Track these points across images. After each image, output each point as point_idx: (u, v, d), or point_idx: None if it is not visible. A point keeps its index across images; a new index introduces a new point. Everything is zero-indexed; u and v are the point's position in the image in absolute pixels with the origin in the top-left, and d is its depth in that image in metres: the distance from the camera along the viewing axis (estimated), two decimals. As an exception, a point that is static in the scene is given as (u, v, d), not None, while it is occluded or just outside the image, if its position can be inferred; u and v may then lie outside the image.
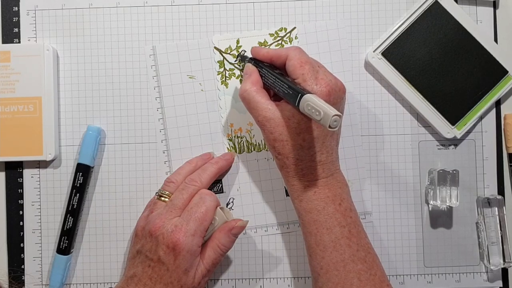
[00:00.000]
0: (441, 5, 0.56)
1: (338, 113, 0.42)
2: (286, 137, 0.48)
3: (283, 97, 0.49)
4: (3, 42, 0.58)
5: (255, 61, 0.53)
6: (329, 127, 0.42)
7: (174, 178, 0.54)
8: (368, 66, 0.58)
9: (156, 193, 0.54)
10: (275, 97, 0.52)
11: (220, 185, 0.58)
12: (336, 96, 0.48)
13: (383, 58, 0.57)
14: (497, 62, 0.57)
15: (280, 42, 0.58)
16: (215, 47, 0.58)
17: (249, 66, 0.53)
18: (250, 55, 0.55)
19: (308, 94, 0.44)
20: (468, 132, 0.58)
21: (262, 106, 0.49)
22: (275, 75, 0.49)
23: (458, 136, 0.57)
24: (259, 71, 0.52)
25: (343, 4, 0.58)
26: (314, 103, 0.43)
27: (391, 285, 0.49)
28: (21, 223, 0.57)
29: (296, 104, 0.45)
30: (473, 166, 0.58)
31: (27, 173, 0.58)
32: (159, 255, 0.48)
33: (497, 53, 0.56)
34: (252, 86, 0.50)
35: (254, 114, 0.50)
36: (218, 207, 0.52)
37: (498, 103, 0.58)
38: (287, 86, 0.47)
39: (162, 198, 0.53)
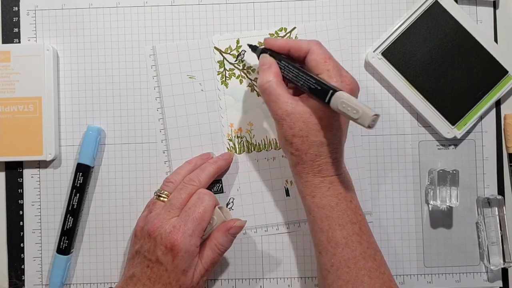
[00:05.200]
0: (441, 5, 0.56)
1: (377, 113, 0.42)
2: (306, 133, 0.47)
3: (307, 92, 0.47)
4: (3, 42, 0.58)
5: (271, 52, 0.51)
6: (368, 126, 0.42)
7: (173, 178, 0.54)
8: (368, 66, 0.58)
9: (155, 193, 0.54)
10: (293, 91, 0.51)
11: (220, 185, 0.58)
12: (355, 95, 0.48)
13: (383, 58, 0.57)
14: (497, 62, 0.57)
15: (280, 42, 0.58)
16: (215, 47, 0.58)
17: (267, 57, 0.51)
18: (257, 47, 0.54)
19: (341, 92, 0.44)
20: (468, 132, 0.58)
21: (283, 99, 0.47)
22: (299, 69, 0.48)
23: (458, 136, 0.57)
24: (278, 63, 0.50)
25: (343, 4, 0.58)
26: (350, 101, 0.43)
27: (397, 285, 0.49)
28: (21, 223, 0.57)
29: (326, 101, 0.45)
30: (473, 166, 0.58)
31: (27, 173, 0.58)
32: (158, 256, 0.48)
33: (497, 53, 0.56)
34: (274, 77, 0.48)
35: (274, 107, 0.48)
36: (216, 207, 0.52)
37: (498, 103, 0.58)
38: (313, 82, 0.46)
39: (161, 198, 0.53)
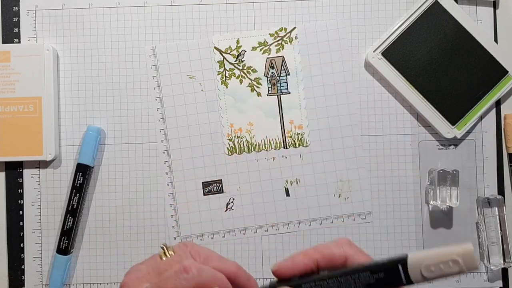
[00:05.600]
0: (441, 5, 0.56)
1: (470, 243, 0.32)
2: None
3: None
4: (3, 42, 0.58)
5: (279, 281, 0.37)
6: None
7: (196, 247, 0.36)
8: (368, 66, 0.58)
9: (162, 245, 0.36)
10: None
11: (220, 185, 0.58)
12: None
13: (383, 58, 0.57)
14: (497, 62, 0.57)
15: (280, 42, 0.58)
16: (215, 47, 0.58)
17: None
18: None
19: (410, 254, 0.32)
20: (468, 132, 0.58)
21: None
22: (335, 276, 0.34)
23: (458, 136, 0.57)
24: None
25: (343, 4, 0.58)
26: (436, 256, 0.32)
27: None
28: (21, 223, 0.57)
29: (405, 281, 0.32)
30: (473, 166, 0.58)
31: (27, 173, 0.58)
32: None
33: (497, 53, 0.56)
34: None
35: None
36: None
37: (498, 103, 0.58)
38: (368, 275, 0.33)
39: (161, 254, 0.35)
